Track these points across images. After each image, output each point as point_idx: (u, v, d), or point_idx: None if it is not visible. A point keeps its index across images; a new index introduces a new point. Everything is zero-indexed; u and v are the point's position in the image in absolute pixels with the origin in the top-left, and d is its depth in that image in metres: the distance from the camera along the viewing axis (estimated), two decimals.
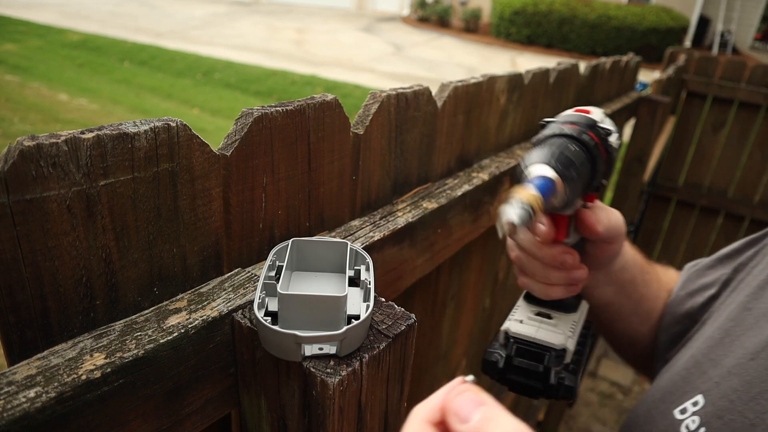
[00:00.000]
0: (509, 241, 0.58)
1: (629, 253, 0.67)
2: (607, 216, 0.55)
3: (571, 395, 0.52)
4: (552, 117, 0.53)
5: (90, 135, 0.35)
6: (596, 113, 0.53)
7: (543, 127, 0.51)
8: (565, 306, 0.58)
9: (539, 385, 0.53)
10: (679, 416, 0.51)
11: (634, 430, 0.58)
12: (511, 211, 0.39)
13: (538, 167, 0.45)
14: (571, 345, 0.54)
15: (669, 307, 0.70)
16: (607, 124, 0.52)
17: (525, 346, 0.54)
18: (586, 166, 0.47)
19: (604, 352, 3.20)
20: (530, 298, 0.60)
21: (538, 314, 0.57)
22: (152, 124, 0.38)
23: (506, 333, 0.55)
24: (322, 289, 0.47)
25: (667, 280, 0.73)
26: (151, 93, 7.55)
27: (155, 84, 7.97)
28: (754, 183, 3.24)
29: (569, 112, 0.53)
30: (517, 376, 0.54)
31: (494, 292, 1.21)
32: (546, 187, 0.44)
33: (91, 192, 0.36)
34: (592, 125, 0.50)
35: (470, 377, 0.29)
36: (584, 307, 0.61)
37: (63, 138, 0.33)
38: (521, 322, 0.56)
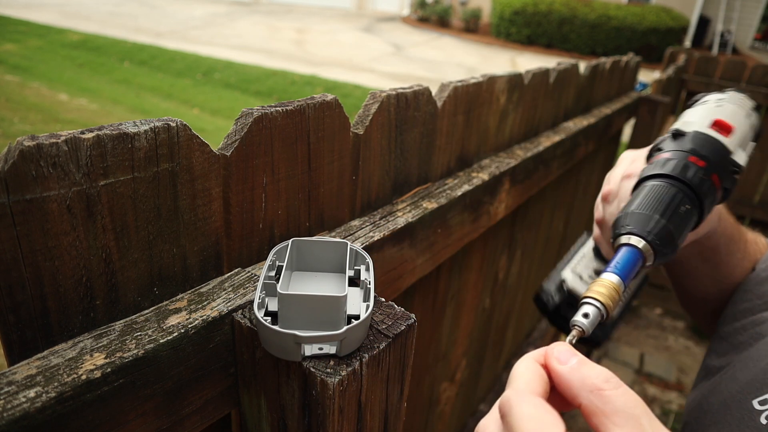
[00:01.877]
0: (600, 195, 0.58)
1: (720, 220, 0.63)
2: None
3: (600, 344, 0.54)
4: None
5: (90, 135, 0.35)
6: (736, 134, 0.50)
7: (676, 136, 0.50)
8: None
9: (588, 337, 0.53)
10: (758, 407, 0.50)
11: (706, 417, 0.56)
12: (582, 319, 0.38)
13: (630, 238, 0.44)
14: (617, 312, 0.53)
15: (747, 282, 0.66)
16: (741, 155, 0.50)
17: (574, 301, 0.54)
18: (692, 221, 0.46)
19: (604, 352, 3.20)
20: (597, 252, 0.59)
21: (598, 272, 0.56)
22: (152, 124, 0.38)
23: (563, 282, 0.55)
24: (322, 289, 0.47)
25: (755, 251, 0.69)
26: (151, 93, 7.55)
27: (155, 84, 7.96)
28: (754, 183, 3.23)
29: (704, 125, 0.50)
30: (560, 319, 0.56)
31: (494, 292, 1.21)
32: (630, 266, 0.43)
33: (91, 192, 0.36)
34: (724, 160, 0.48)
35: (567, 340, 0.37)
36: (643, 272, 0.59)
37: (63, 138, 0.33)
38: (580, 278, 0.55)
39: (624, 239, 0.46)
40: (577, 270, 0.56)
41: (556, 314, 0.56)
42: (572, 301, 0.55)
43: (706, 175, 0.47)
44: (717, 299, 0.71)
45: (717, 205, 0.50)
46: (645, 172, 0.49)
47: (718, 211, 0.62)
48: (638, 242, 0.45)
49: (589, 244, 0.60)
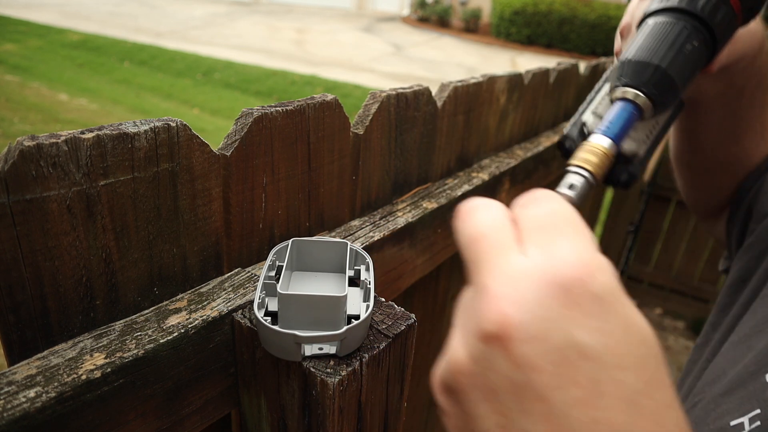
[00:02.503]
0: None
1: (761, 52, 0.52)
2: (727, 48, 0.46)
3: (630, 185, 0.50)
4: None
5: (90, 135, 0.35)
6: None
7: None
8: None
9: (608, 178, 0.50)
10: None
11: (715, 387, 0.51)
12: (567, 191, 0.34)
13: (626, 91, 0.40)
14: (642, 150, 0.49)
15: None
16: None
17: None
18: (702, 59, 0.41)
19: None
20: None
21: None
22: (152, 124, 0.38)
23: (584, 125, 0.51)
24: (322, 289, 0.47)
25: None
26: (151, 93, 7.55)
27: (155, 84, 7.96)
28: None
29: None
30: None
31: None
32: (625, 123, 0.39)
33: (91, 192, 0.36)
34: None
35: None
36: (672, 107, 0.53)
37: (63, 138, 0.33)
38: (601, 118, 0.50)
39: (619, 92, 0.41)
40: (598, 111, 0.51)
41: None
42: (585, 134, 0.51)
43: (721, 0, 0.41)
44: (726, 181, 0.62)
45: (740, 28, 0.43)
46: (649, 7, 0.44)
47: (761, 38, 0.52)
48: (633, 95, 0.40)
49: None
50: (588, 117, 0.52)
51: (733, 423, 0.43)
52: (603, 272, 0.24)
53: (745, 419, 0.43)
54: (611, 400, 0.22)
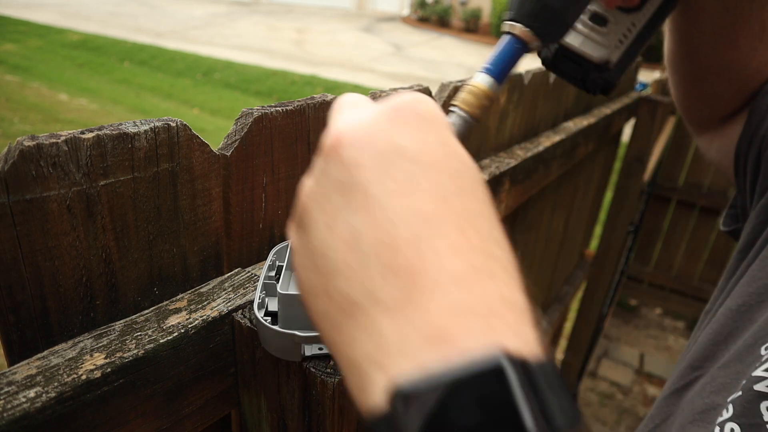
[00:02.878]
0: None
1: None
2: None
3: (607, 91, 0.49)
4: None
5: (90, 135, 0.35)
6: None
7: None
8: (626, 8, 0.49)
9: (579, 82, 0.51)
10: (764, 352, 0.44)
11: (714, 360, 0.51)
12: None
13: (509, 24, 0.39)
14: (616, 56, 0.48)
15: None
16: None
17: (567, 53, 0.51)
18: None
19: (604, 352, 3.20)
20: None
21: (594, 17, 0.50)
22: (152, 124, 0.38)
23: None
24: None
25: None
26: (151, 93, 7.55)
27: (155, 84, 7.97)
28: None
29: None
30: (558, 71, 0.52)
31: None
32: (508, 59, 0.39)
33: (91, 192, 0.36)
34: None
35: None
36: (654, 2, 0.50)
37: (63, 138, 0.33)
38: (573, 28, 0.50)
39: (505, 26, 0.40)
40: None
41: (554, 67, 0.51)
42: (566, 53, 0.50)
43: None
44: (722, 89, 0.60)
45: None
46: None
47: None
48: (516, 28, 0.39)
49: None
50: None
51: (729, 399, 0.43)
52: (430, 103, 0.28)
53: (730, 399, 0.43)
54: (424, 194, 0.25)
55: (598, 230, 2.42)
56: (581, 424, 0.22)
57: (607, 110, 1.57)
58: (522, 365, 0.21)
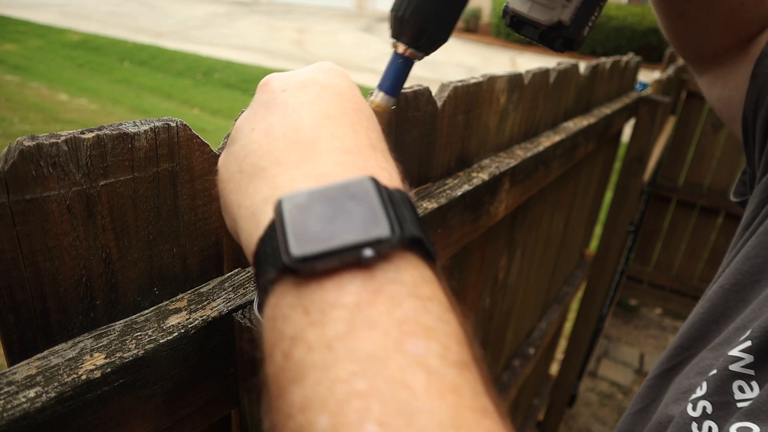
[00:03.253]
0: None
1: None
2: None
3: (573, 48, 0.51)
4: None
5: (90, 135, 0.35)
6: None
7: None
8: None
9: (540, 42, 0.52)
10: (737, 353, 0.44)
11: (705, 341, 0.51)
12: None
13: (392, 42, 0.43)
14: (567, 15, 0.50)
15: None
16: None
17: (521, 19, 0.52)
18: None
19: (604, 352, 3.20)
20: None
21: None
22: (152, 124, 0.38)
23: (506, 5, 0.53)
24: None
25: None
26: (151, 93, 7.55)
27: (155, 84, 7.97)
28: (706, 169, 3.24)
29: None
30: (522, 33, 0.54)
31: (494, 292, 1.21)
32: (397, 74, 0.42)
33: (91, 192, 0.36)
34: None
35: None
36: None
37: (63, 138, 0.33)
38: None
39: (392, 44, 0.44)
40: None
41: (515, 29, 0.53)
42: (520, 19, 0.52)
43: None
44: (717, 26, 0.58)
45: None
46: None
47: None
48: (399, 47, 0.43)
49: None
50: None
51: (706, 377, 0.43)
52: (341, 71, 0.36)
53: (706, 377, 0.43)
54: (328, 104, 0.32)
55: (598, 230, 2.42)
56: (426, 234, 0.26)
57: (607, 110, 1.57)
58: (384, 187, 0.26)
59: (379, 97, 0.44)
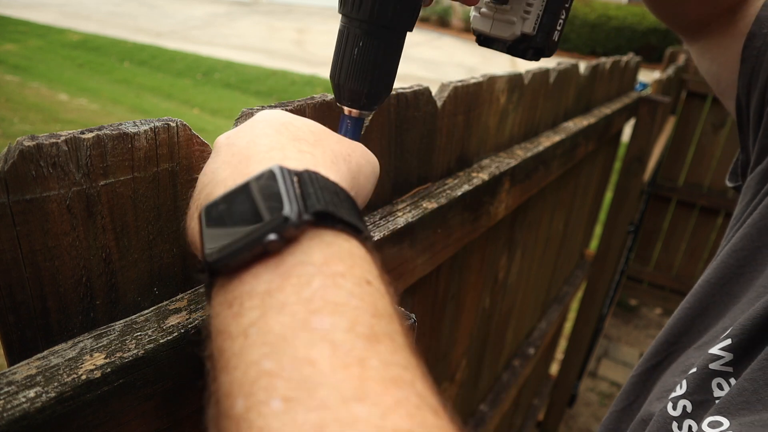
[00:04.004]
0: None
1: None
2: None
3: (546, 55, 0.51)
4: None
5: (90, 135, 0.35)
6: None
7: None
8: None
9: (510, 53, 0.53)
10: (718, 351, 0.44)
11: (690, 336, 0.51)
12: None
13: (338, 105, 0.45)
14: (528, 27, 0.50)
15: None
16: None
17: (481, 36, 0.53)
18: (381, 49, 0.43)
19: (604, 352, 3.20)
20: None
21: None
22: (152, 124, 0.38)
23: (472, 27, 0.54)
24: None
25: None
26: (151, 93, 7.55)
27: (155, 84, 7.96)
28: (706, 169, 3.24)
29: None
30: (493, 48, 0.54)
31: (494, 292, 1.21)
32: (352, 133, 0.44)
33: (91, 192, 0.36)
34: None
35: None
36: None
37: (63, 138, 0.33)
38: (480, 13, 0.53)
39: (342, 107, 0.46)
40: (477, 6, 0.53)
41: (485, 45, 0.54)
42: (486, 37, 0.53)
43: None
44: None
45: None
46: None
47: None
48: (344, 109, 0.45)
49: None
50: (472, 17, 0.53)
51: (686, 375, 0.43)
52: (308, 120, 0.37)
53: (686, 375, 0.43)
54: (304, 133, 0.34)
55: (598, 230, 2.41)
56: (344, 208, 0.27)
57: (607, 110, 1.57)
58: (293, 171, 0.27)
59: None
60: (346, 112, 0.46)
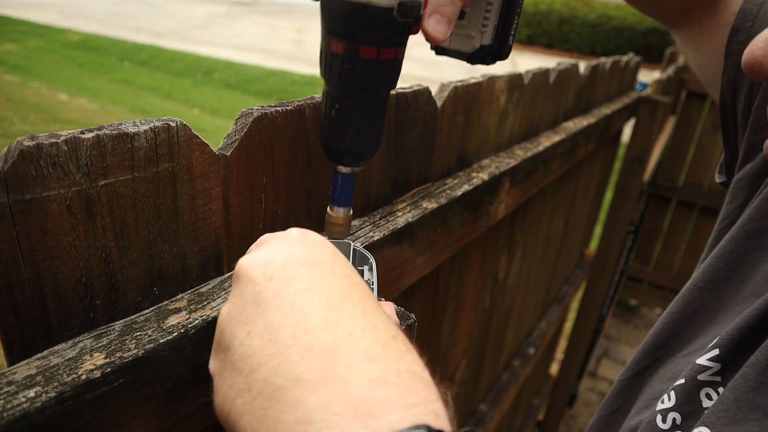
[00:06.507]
0: None
1: None
2: None
3: (501, 59, 0.53)
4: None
5: (90, 135, 0.35)
6: None
7: None
8: None
9: (471, 63, 0.53)
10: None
11: (678, 341, 0.50)
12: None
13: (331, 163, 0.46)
14: (486, 39, 0.51)
15: (756, 17, 0.51)
16: None
17: (446, 52, 0.54)
18: (366, 105, 0.43)
19: (604, 352, 3.20)
20: None
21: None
22: (152, 124, 0.38)
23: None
24: None
25: None
26: (151, 93, 7.55)
27: (155, 84, 7.96)
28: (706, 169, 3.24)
29: None
30: (451, 56, 0.55)
31: (494, 292, 1.21)
32: (345, 187, 0.46)
33: (91, 192, 0.36)
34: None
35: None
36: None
37: (63, 138, 0.33)
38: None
39: (335, 164, 0.47)
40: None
41: (444, 54, 0.55)
42: (444, 48, 0.54)
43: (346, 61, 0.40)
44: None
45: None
46: None
47: None
48: (342, 168, 0.46)
49: None
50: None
51: (673, 386, 0.42)
52: (316, 234, 0.33)
53: (674, 386, 0.42)
54: (328, 289, 0.29)
55: (598, 230, 2.41)
56: None
57: (607, 110, 1.57)
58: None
59: (337, 212, 0.48)
60: (338, 169, 0.47)
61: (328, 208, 0.48)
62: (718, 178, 0.63)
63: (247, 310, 0.29)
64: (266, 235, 0.35)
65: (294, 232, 0.33)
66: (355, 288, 0.30)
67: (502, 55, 0.52)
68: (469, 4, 0.50)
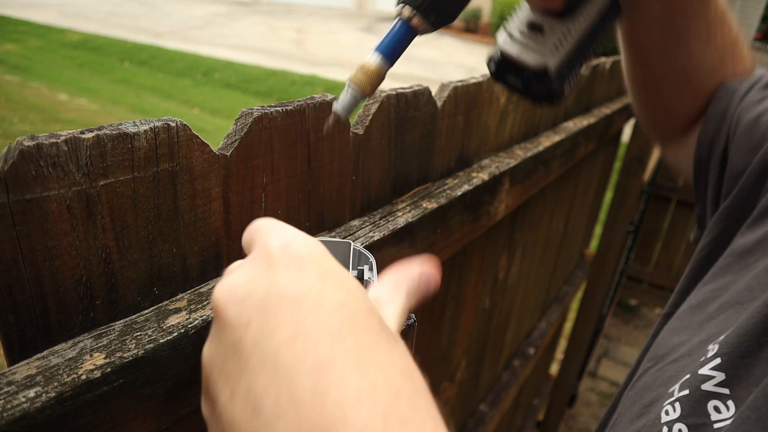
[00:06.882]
0: None
1: None
2: None
3: (554, 100, 0.51)
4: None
5: (90, 135, 0.35)
6: None
7: None
8: (560, 11, 0.50)
9: (523, 91, 0.52)
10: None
11: (668, 355, 0.51)
12: (336, 100, 0.37)
13: (403, 8, 0.41)
14: (553, 62, 0.50)
15: (736, 91, 0.55)
16: None
17: (508, 62, 0.52)
18: None
19: (604, 352, 3.20)
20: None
21: (531, 26, 0.52)
22: (152, 124, 0.38)
23: (494, 51, 0.53)
24: None
25: (733, 51, 0.58)
26: (151, 93, 7.55)
27: (155, 84, 7.96)
28: None
29: None
30: (505, 83, 0.53)
31: (494, 292, 1.21)
32: (397, 41, 0.41)
33: (91, 192, 0.36)
34: None
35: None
36: (591, 9, 0.51)
37: (63, 138, 0.33)
38: (511, 36, 0.52)
39: (398, 9, 0.42)
40: (508, 29, 0.52)
41: (499, 78, 0.53)
42: (506, 63, 0.52)
43: None
44: (678, 96, 0.60)
45: None
46: None
47: None
48: (405, 13, 0.41)
49: None
50: (500, 36, 0.53)
51: (676, 397, 0.42)
52: (304, 240, 0.28)
53: (677, 397, 0.42)
54: (314, 337, 0.24)
55: (598, 230, 2.41)
56: None
57: (607, 110, 1.57)
58: None
59: (376, 58, 0.41)
60: (406, 16, 0.41)
61: (367, 56, 0.42)
62: (692, 240, 0.65)
63: (228, 359, 0.26)
64: (245, 244, 0.31)
65: (275, 247, 0.28)
66: (347, 323, 0.25)
67: (555, 95, 0.51)
68: (538, 7, 0.50)
